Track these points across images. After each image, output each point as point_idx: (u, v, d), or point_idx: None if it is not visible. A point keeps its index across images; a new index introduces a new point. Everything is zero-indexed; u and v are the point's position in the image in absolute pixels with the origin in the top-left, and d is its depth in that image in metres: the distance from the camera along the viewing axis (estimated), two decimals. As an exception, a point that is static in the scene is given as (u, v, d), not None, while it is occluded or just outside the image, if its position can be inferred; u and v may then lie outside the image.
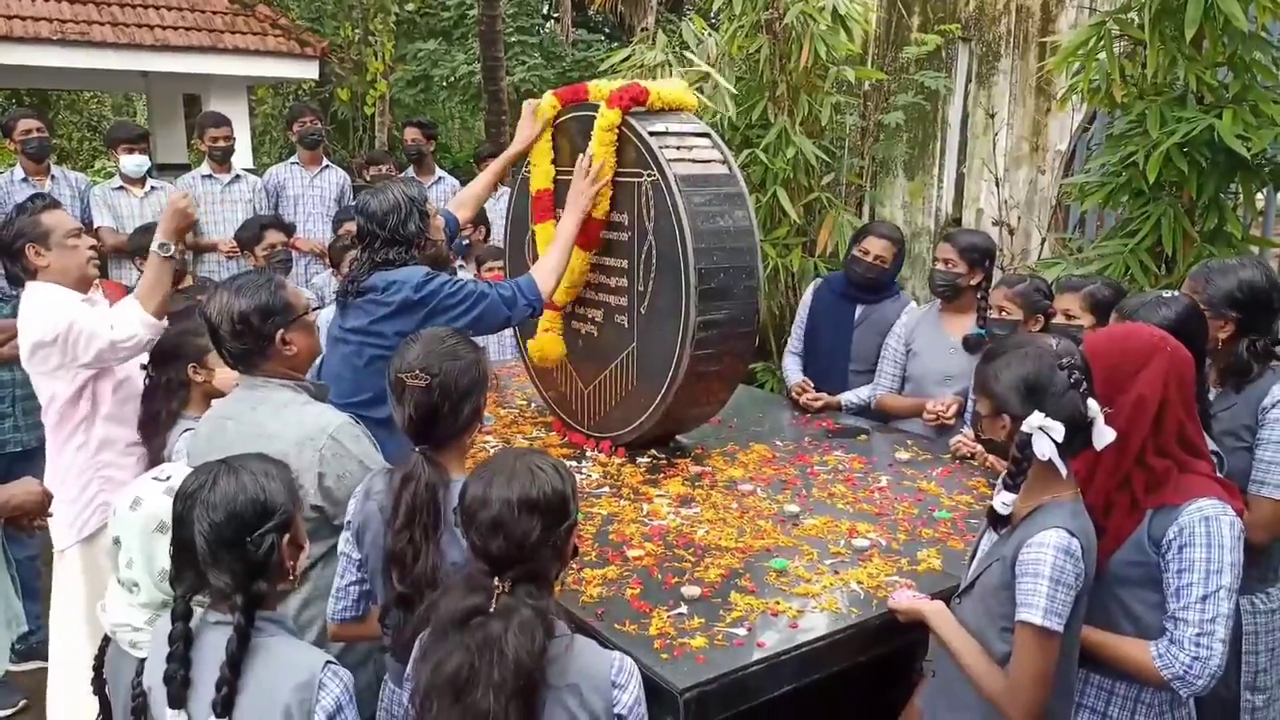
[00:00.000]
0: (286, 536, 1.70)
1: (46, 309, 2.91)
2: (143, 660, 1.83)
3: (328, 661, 1.68)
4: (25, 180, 5.32)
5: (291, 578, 1.77)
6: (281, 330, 2.29)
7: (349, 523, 2.11)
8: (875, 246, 3.91)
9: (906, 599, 2.16)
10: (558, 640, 1.63)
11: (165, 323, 2.93)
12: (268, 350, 2.29)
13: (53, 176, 5.44)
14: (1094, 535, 1.91)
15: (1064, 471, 1.88)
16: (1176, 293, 2.44)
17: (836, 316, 4.00)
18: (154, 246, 2.93)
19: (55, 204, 3.22)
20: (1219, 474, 2.11)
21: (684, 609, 2.24)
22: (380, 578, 2.03)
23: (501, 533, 1.62)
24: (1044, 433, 1.83)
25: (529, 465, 1.68)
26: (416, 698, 1.65)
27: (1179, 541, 1.94)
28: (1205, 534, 1.92)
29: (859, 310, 3.96)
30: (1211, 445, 2.25)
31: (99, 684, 2.02)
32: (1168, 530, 1.95)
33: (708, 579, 2.39)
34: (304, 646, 1.76)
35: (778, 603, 2.27)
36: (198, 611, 1.70)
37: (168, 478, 1.93)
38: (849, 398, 3.89)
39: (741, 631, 2.14)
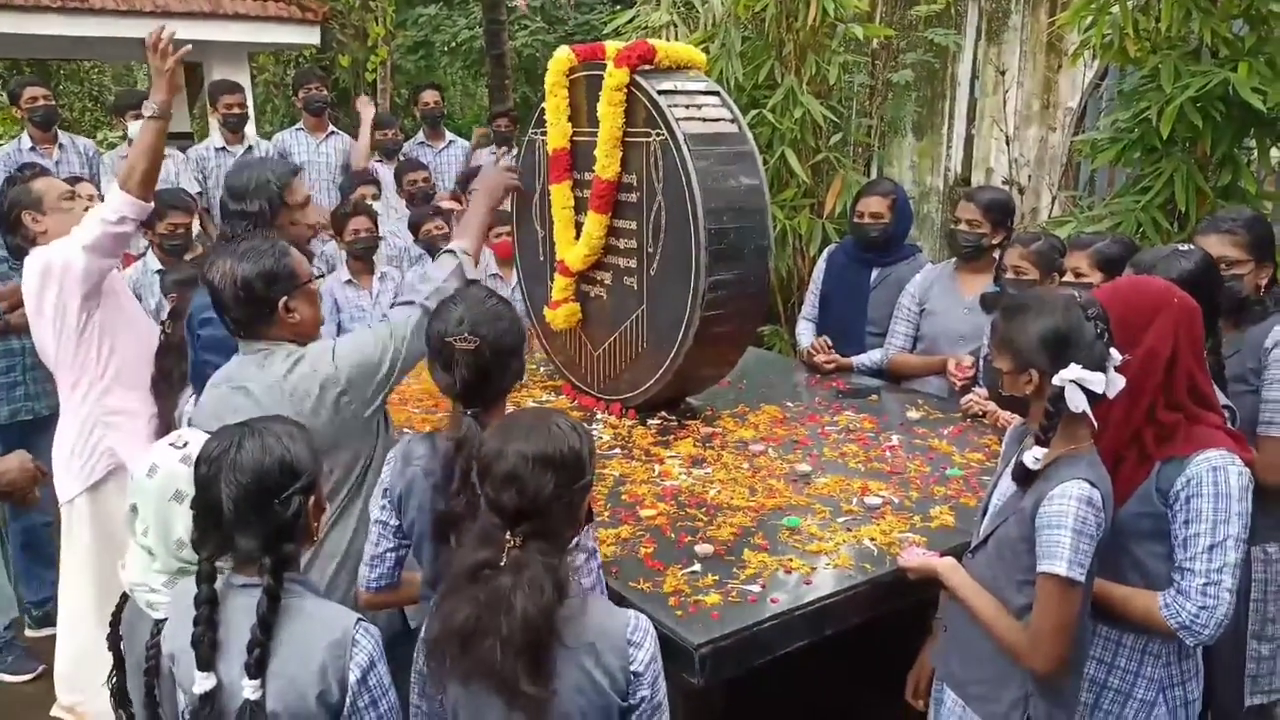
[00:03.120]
0: (312, 498, 1.71)
1: (41, 259, 2.94)
2: (159, 621, 1.84)
3: (358, 619, 1.69)
4: (33, 149, 5.30)
5: (315, 538, 1.78)
6: (285, 298, 2.25)
7: (385, 490, 2.07)
8: (869, 205, 3.89)
9: (917, 556, 2.16)
10: (572, 601, 1.62)
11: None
12: (271, 317, 2.25)
13: (60, 145, 5.41)
14: (1110, 486, 1.90)
15: (1095, 423, 1.87)
16: (1192, 245, 2.42)
17: (852, 280, 3.97)
18: (144, 110, 2.89)
19: (45, 171, 3.23)
20: (1231, 426, 2.11)
21: (697, 567, 2.25)
22: (427, 543, 2.01)
23: (515, 486, 1.61)
24: (1078, 385, 1.81)
25: (547, 422, 1.68)
26: (426, 648, 1.67)
27: (1186, 492, 1.94)
28: (1213, 484, 1.92)
29: (875, 273, 3.93)
30: (1224, 399, 2.24)
31: (114, 639, 2.02)
32: (1175, 481, 1.96)
33: (720, 537, 2.40)
34: (333, 605, 1.77)
35: (791, 560, 2.28)
36: (221, 574, 1.71)
37: (184, 444, 1.92)
38: (862, 360, 3.87)
39: (755, 588, 2.16)
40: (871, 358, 3.86)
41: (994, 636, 1.92)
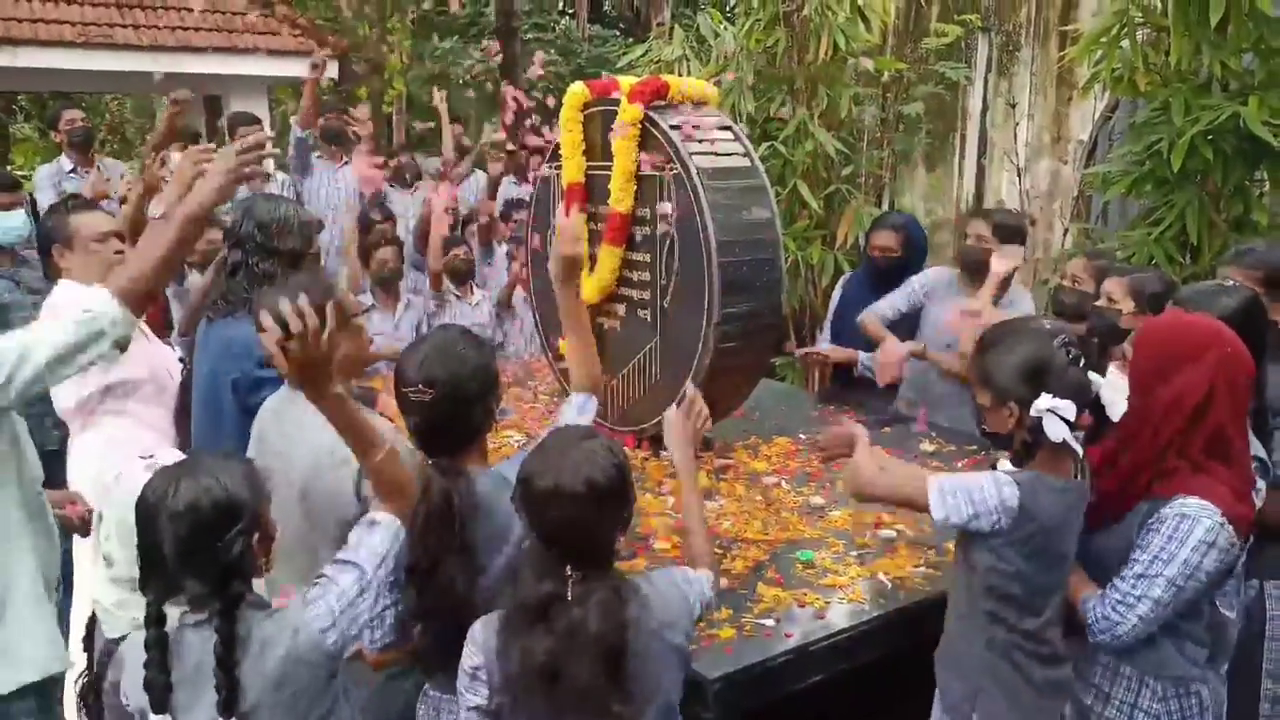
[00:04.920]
0: (256, 535, 1.68)
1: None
2: (108, 640, 1.84)
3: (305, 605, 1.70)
4: (73, 172, 5.44)
5: (266, 571, 1.77)
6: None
7: None
8: (878, 239, 3.96)
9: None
10: (634, 600, 1.66)
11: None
12: None
13: (99, 168, 5.53)
14: (1051, 508, 1.88)
15: (1079, 450, 1.88)
16: (1236, 281, 2.40)
17: (866, 307, 3.99)
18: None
19: (90, 204, 3.22)
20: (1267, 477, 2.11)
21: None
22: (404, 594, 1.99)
23: (571, 526, 1.63)
24: (1054, 414, 1.82)
25: (587, 453, 1.67)
26: (509, 684, 1.66)
27: (1151, 525, 1.95)
28: (1174, 528, 1.91)
29: None
30: (1258, 450, 2.19)
31: (91, 657, 2.01)
32: (1151, 518, 1.96)
33: (734, 570, 2.39)
34: (281, 615, 1.72)
35: (805, 594, 2.28)
36: (173, 614, 1.68)
37: (151, 456, 1.92)
38: (867, 359, 3.89)
39: (769, 622, 2.15)
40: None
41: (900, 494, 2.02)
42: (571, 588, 1.63)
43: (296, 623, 1.67)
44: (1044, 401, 1.83)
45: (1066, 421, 1.83)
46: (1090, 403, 1.88)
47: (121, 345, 2.07)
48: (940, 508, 1.89)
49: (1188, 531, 1.90)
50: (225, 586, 1.63)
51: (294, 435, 2.17)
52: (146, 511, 1.64)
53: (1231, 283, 2.36)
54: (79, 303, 2.10)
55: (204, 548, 1.62)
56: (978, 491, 1.86)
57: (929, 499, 1.90)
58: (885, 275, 3.92)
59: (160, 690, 1.62)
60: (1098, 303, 2.99)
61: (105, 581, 1.91)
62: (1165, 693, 2.02)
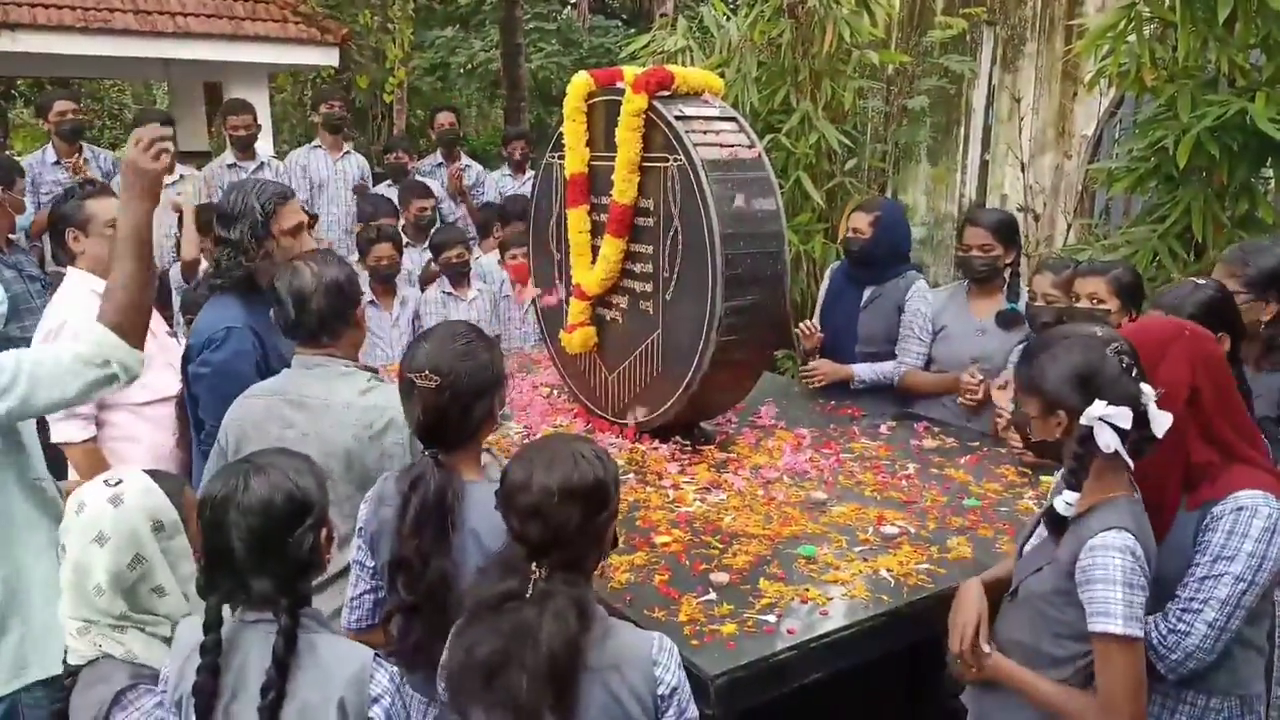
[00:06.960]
0: (324, 531, 1.68)
1: (65, 305, 2.90)
2: (65, 676, 1.77)
3: (375, 654, 1.67)
4: (57, 163, 5.36)
5: (325, 569, 1.76)
6: (360, 305, 2.38)
7: (361, 530, 2.04)
8: (853, 220, 3.92)
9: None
10: (596, 625, 1.61)
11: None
12: (349, 319, 2.35)
13: (85, 159, 5.47)
14: (1152, 535, 1.83)
15: (1130, 463, 1.79)
16: (1206, 279, 2.40)
17: (847, 299, 3.97)
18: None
19: (107, 191, 3.20)
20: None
21: (713, 595, 2.24)
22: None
23: (540, 519, 1.60)
24: (1106, 422, 1.73)
25: (572, 452, 1.65)
26: (448, 678, 1.65)
27: (1209, 527, 1.90)
28: (1232, 522, 1.87)
29: (867, 292, 3.91)
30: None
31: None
32: (1205, 521, 1.90)
33: (736, 565, 2.38)
34: (346, 641, 1.74)
35: (807, 589, 2.27)
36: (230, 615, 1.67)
37: (117, 483, 1.79)
38: (865, 373, 3.83)
39: (771, 618, 2.14)
40: (880, 370, 3.82)
41: (1061, 713, 1.81)
42: (533, 586, 1.61)
43: (361, 661, 1.64)
44: (1097, 409, 1.73)
45: (1120, 431, 1.73)
46: (1138, 415, 1.78)
47: (131, 380, 2.19)
48: (1136, 623, 1.70)
49: (1246, 524, 1.85)
50: (294, 584, 1.62)
51: (315, 414, 2.23)
52: (213, 511, 1.61)
53: (1203, 280, 2.35)
54: (88, 339, 2.14)
55: (276, 543, 1.60)
56: (1129, 576, 1.70)
57: (1126, 633, 1.69)
58: (857, 260, 3.87)
59: (208, 697, 1.59)
60: (1078, 304, 2.94)
61: (65, 618, 1.81)
62: (1230, 713, 1.95)
